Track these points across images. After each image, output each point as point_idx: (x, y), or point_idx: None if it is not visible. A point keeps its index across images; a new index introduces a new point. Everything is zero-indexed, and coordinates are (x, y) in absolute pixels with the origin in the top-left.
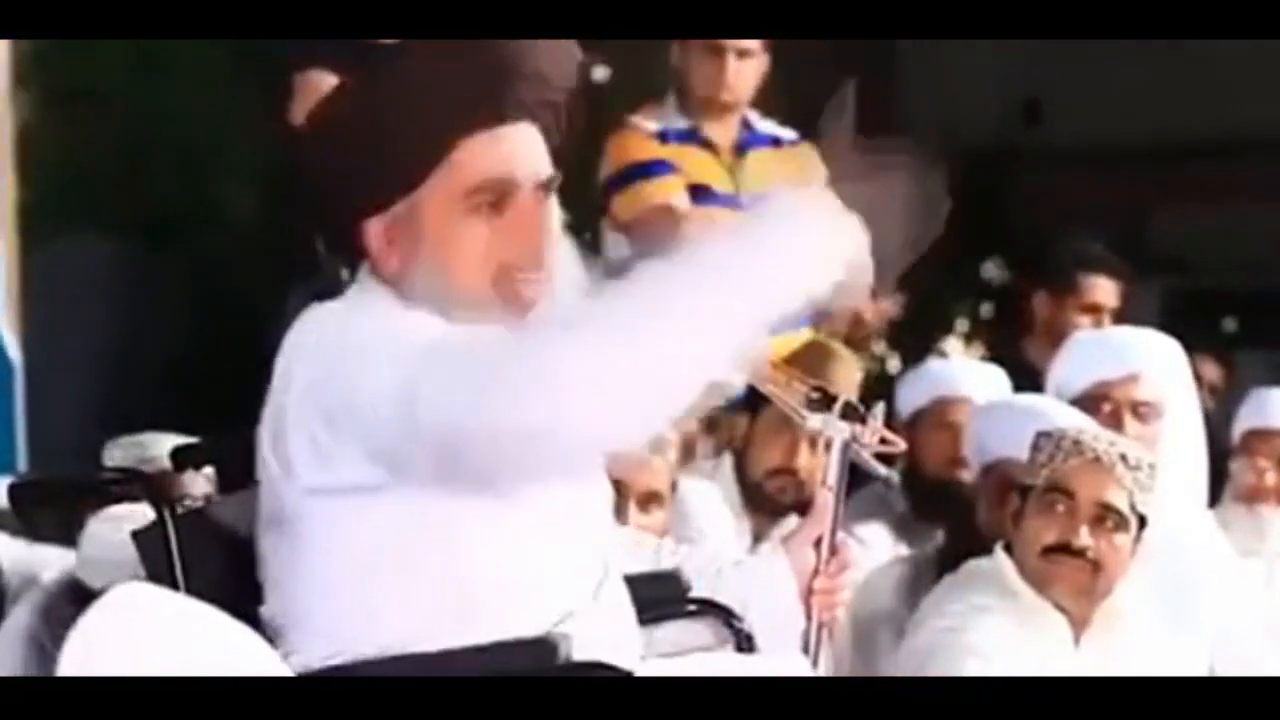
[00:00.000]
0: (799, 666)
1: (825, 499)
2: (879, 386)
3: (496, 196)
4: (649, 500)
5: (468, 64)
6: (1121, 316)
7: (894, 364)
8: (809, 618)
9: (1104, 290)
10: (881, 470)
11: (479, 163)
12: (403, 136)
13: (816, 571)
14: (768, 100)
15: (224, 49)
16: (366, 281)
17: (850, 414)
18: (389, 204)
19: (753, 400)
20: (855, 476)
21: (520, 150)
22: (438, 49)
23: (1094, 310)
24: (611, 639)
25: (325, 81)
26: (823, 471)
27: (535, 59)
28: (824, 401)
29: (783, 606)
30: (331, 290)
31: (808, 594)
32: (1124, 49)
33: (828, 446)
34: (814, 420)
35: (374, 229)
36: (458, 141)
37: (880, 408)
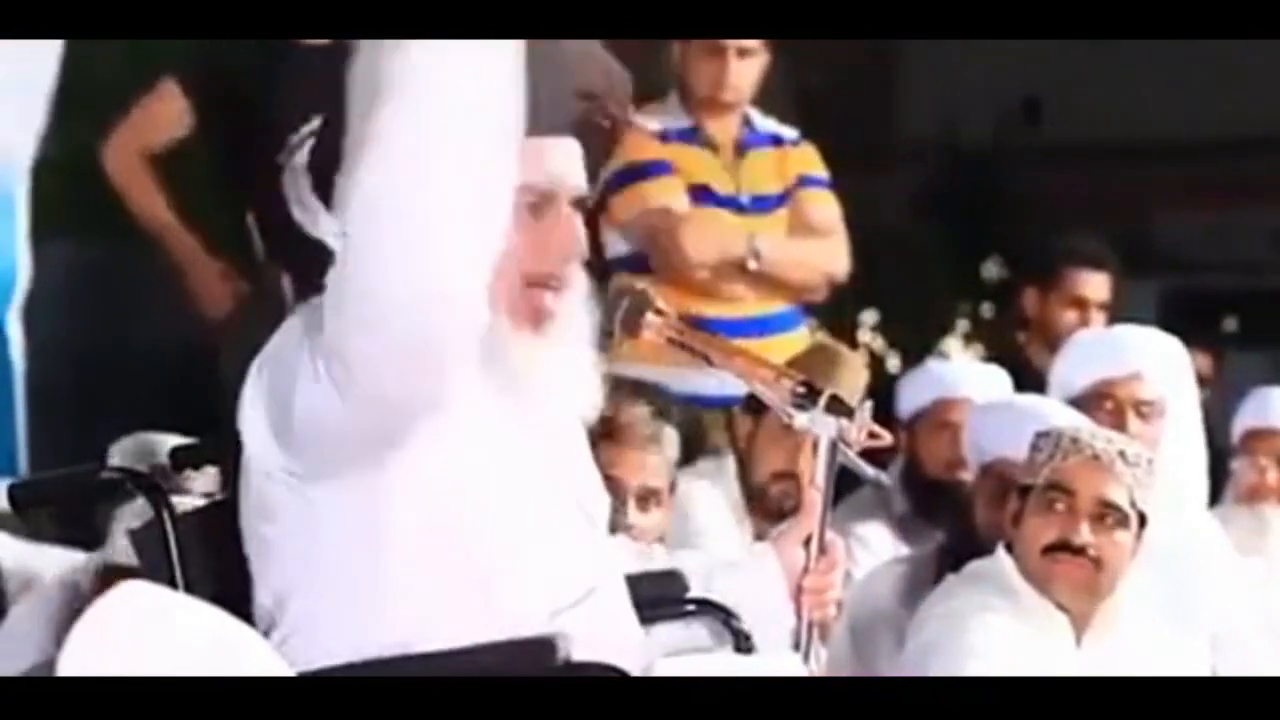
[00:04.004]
0: (796, 666)
1: (814, 498)
2: (879, 386)
3: (533, 203)
4: (647, 499)
5: (527, 71)
6: (1119, 315)
7: (894, 364)
8: (799, 617)
9: (1089, 284)
10: (870, 471)
11: (523, 167)
12: None
13: (806, 570)
14: (770, 98)
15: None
16: None
17: (837, 408)
18: None
19: (756, 403)
20: (855, 476)
21: (563, 163)
22: None
23: (1080, 304)
24: (611, 639)
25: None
26: (811, 471)
27: (597, 79)
28: (810, 397)
29: (773, 606)
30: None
31: (798, 593)
32: (1123, 49)
33: (817, 447)
34: (801, 418)
35: None
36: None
37: (869, 403)
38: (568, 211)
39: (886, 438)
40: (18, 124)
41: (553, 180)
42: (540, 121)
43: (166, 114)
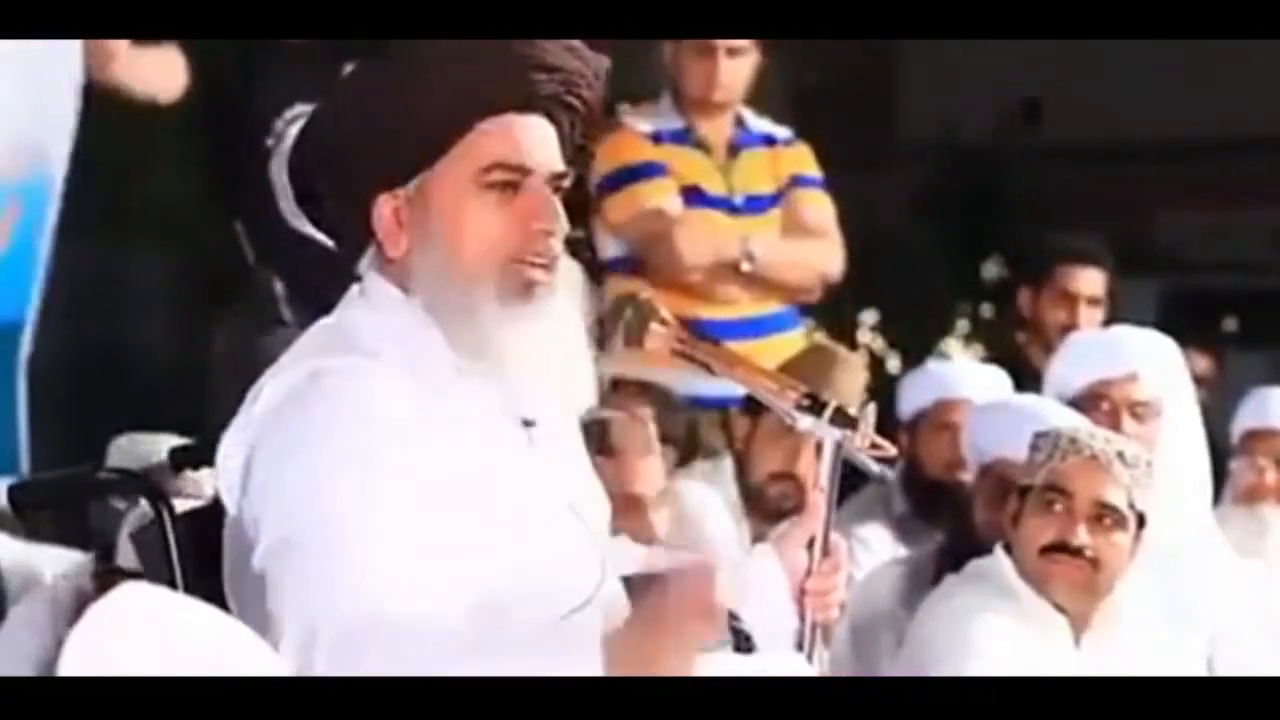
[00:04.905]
0: (798, 666)
1: (817, 500)
2: (879, 386)
3: (508, 180)
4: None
5: (496, 49)
6: (1119, 315)
7: (894, 364)
8: (803, 619)
9: (1080, 279)
10: (875, 468)
11: (494, 145)
12: (423, 114)
13: (809, 572)
14: (769, 98)
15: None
16: (370, 280)
17: (840, 420)
18: (401, 182)
19: (754, 404)
20: (855, 476)
21: (535, 140)
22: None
23: (1070, 299)
24: None
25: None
26: (813, 472)
27: (562, 56)
28: (814, 408)
29: (775, 608)
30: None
31: (800, 595)
32: (1124, 49)
33: (820, 449)
34: (804, 420)
35: (384, 209)
36: (475, 124)
37: (871, 411)
38: (543, 188)
39: (890, 450)
40: (50, 125)
41: (523, 157)
42: (506, 96)
43: (162, 61)
